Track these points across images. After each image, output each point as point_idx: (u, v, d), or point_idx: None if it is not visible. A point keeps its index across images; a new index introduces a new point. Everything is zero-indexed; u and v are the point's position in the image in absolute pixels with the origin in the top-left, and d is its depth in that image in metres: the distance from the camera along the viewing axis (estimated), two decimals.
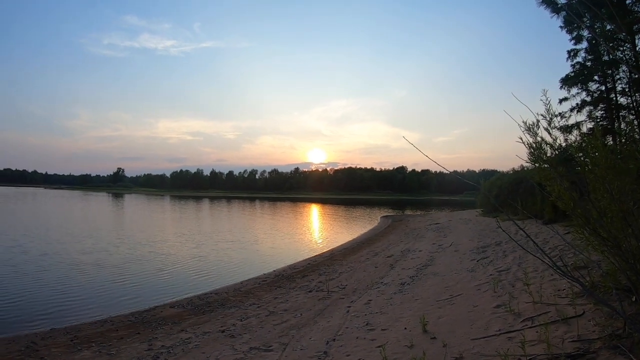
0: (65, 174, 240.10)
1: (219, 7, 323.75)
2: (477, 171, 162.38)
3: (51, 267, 15.35)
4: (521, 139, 4.07)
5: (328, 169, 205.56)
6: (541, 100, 3.98)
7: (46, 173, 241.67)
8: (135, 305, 11.16)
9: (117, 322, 9.62)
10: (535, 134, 4.02)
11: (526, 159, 4.14)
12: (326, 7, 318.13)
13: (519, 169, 30.04)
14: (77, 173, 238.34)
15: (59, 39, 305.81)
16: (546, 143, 4.01)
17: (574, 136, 5.09)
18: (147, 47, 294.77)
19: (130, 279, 14.16)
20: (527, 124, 4.00)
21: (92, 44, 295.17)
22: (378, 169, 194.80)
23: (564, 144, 4.41)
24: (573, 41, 16.75)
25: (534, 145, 4.04)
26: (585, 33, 16.25)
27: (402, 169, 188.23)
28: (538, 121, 3.97)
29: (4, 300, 11.34)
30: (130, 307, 11.03)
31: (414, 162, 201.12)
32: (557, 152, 4.06)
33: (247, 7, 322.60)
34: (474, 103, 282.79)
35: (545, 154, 4.03)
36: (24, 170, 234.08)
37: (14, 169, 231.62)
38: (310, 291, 11.75)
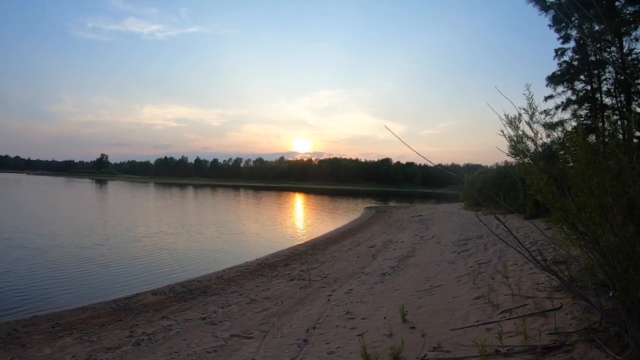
0: (49, 160, 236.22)
1: None
2: (461, 165, 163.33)
3: (33, 256, 15.06)
4: (502, 131, 4.11)
5: (313, 158, 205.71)
6: (524, 94, 4.01)
7: (29, 159, 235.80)
8: (117, 293, 11.07)
9: (98, 309, 9.55)
10: (516, 127, 4.06)
11: (507, 152, 4.19)
12: None
13: (503, 165, 30.36)
14: (60, 159, 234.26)
15: (42, 22, 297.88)
16: (527, 137, 4.06)
17: (557, 133, 5.14)
18: (133, 32, 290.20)
19: (112, 266, 14.00)
20: (509, 117, 4.03)
21: (76, 27, 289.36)
22: (363, 160, 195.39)
23: (546, 140, 4.47)
24: (561, 40, 16.88)
25: (515, 139, 4.09)
26: (574, 32, 16.38)
27: (387, 161, 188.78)
28: (520, 114, 4.01)
29: None
30: (112, 294, 10.94)
31: (400, 154, 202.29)
32: (538, 146, 4.11)
33: None
34: (461, 97, 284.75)
35: (527, 147, 4.08)
36: (6, 156, 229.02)
37: None
38: (291, 280, 11.78)
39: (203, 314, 8.98)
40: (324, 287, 10.55)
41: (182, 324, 8.35)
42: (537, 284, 6.50)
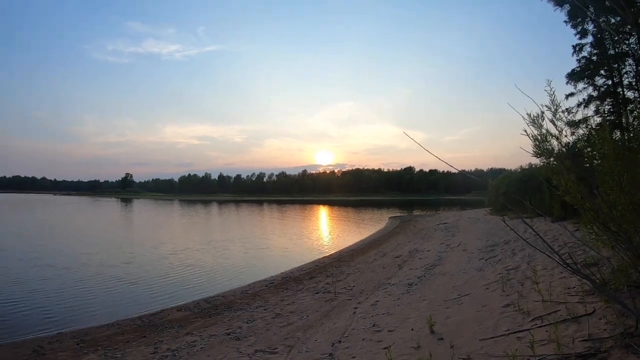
0: (74, 180, 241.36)
1: (222, 11, 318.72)
2: (485, 170, 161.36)
3: (59, 273, 15.39)
4: (526, 131, 3.96)
5: (336, 170, 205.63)
6: (545, 90, 3.86)
7: (55, 180, 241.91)
8: (143, 309, 11.15)
9: (123, 326, 9.63)
10: (540, 126, 3.90)
11: (531, 152, 4.03)
12: (331, 7, 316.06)
13: (527, 167, 29.79)
14: (85, 179, 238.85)
15: (63, 45, 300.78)
16: (551, 135, 3.90)
17: (582, 130, 4.97)
18: (152, 52, 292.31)
19: (139, 284, 14.17)
20: (532, 116, 3.88)
21: (96, 50, 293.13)
22: (385, 170, 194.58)
23: (570, 138, 4.34)
24: (578, 35, 16.57)
25: (539, 138, 3.93)
26: (590, 27, 16.07)
27: (409, 170, 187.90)
28: (542, 112, 3.86)
29: (12, 305, 11.39)
30: (138, 310, 11.02)
31: (422, 162, 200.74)
32: (562, 145, 3.95)
33: (250, 10, 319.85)
34: (482, 101, 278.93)
35: (551, 146, 3.92)
36: (34, 177, 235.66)
37: (23, 175, 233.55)
38: (317, 293, 11.67)
39: (227, 329, 8.93)
40: (350, 299, 10.41)
41: (206, 339, 8.32)
42: (569, 288, 6.26)
